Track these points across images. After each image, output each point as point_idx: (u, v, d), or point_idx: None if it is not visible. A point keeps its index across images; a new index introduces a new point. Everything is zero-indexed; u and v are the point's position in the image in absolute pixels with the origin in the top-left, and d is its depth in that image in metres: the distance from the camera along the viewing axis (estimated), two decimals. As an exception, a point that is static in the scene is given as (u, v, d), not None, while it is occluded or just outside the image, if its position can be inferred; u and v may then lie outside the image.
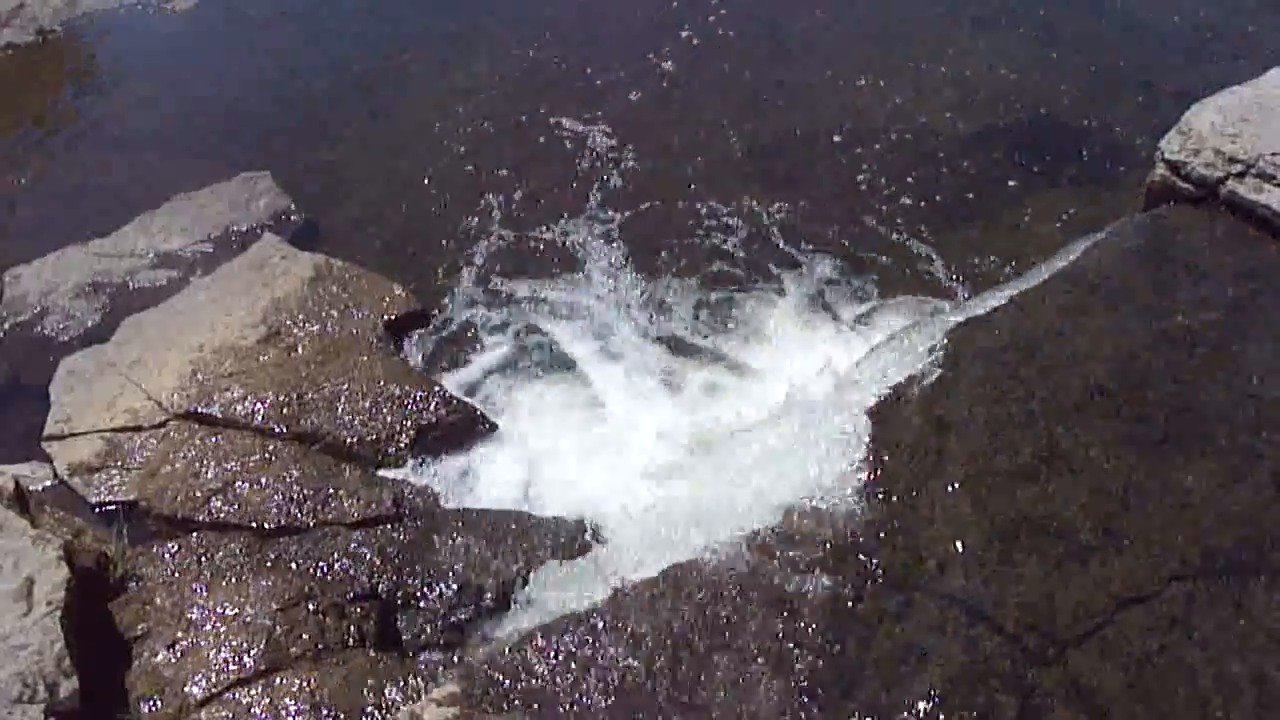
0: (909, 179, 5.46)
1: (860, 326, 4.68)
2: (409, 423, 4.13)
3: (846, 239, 5.14)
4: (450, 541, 3.69)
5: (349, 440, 4.09)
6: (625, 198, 5.53)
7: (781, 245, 5.14)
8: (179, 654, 3.18)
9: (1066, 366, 3.44)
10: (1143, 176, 4.26)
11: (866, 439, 3.46)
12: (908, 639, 2.90)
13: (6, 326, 4.93)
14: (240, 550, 3.60)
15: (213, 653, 3.17)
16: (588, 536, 3.72)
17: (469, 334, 4.82)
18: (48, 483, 4.11)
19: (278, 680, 3.10)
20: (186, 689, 3.08)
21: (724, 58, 6.53)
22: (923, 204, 5.30)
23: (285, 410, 4.14)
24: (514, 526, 3.75)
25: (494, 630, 3.46)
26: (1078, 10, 6.62)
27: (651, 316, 4.85)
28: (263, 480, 3.87)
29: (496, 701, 2.93)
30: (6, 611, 2.94)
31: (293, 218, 5.44)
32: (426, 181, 5.75)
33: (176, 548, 3.61)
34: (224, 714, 3.03)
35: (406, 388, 4.23)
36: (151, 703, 3.06)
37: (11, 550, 3.11)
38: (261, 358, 4.38)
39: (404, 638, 3.48)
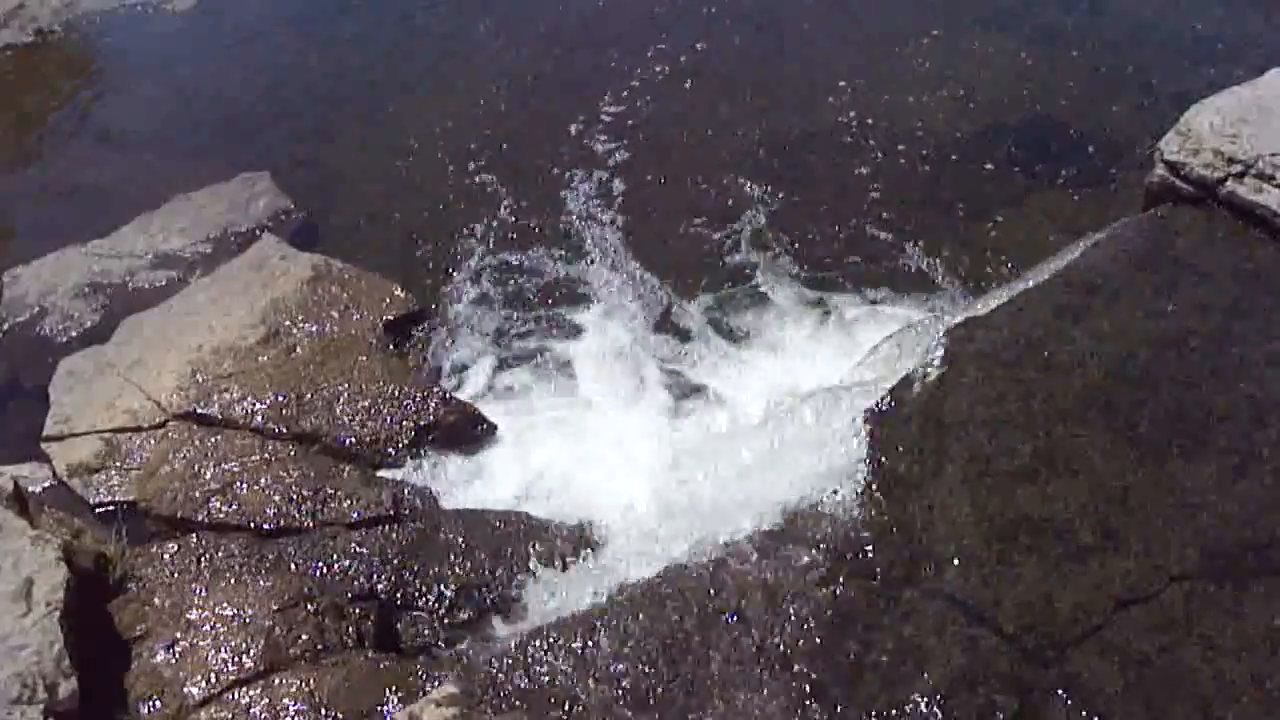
0: (908, 179, 5.46)
1: (860, 327, 4.68)
2: (408, 423, 4.13)
3: (846, 239, 5.14)
4: (450, 542, 3.69)
5: (348, 441, 4.08)
6: (625, 198, 5.53)
7: (781, 246, 5.14)
8: (178, 654, 3.18)
9: (1066, 366, 3.43)
10: (1142, 177, 4.25)
11: (866, 439, 3.46)
12: (907, 639, 2.90)
13: (6, 327, 4.92)
14: (239, 551, 3.60)
15: (212, 653, 3.16)
16: (587, 537, 3.72)
17: (468, 334, 4.82)
18: (47, 483, 4.11)
19: (277, 681, 3.09)
20: (186, 689, 3.08)
21: (724, 57, 6.53)
22: (922, 204, 5.29)
23: (284, 411, 4.14)
24: (513, 527, 3.75)
25: (494, 630, 3.46)
26: (1078, 10, 6.62)
27: (652, 317, 4.85)
28: (262, 481, 3.87)
29: (496, 702, 2.93)
30: (6, 612, 2.93)
31: (292, 218, 5.43)
32: (426, 182, 5.75)
33: (176, 548, 3.61)
34: (223, 714, 3.02)
35: (406, 388, 4.23)
36: (151, 703, 3.06)
37: (11, 551, 3.10)
38: (261, 358, 4.38)
39: (403, 638, 3.48)
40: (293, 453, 4.00)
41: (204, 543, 3.63)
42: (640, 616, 3.09)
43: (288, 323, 4.56)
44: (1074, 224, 4.87)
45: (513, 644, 3.13)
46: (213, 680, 3.10)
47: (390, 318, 4.66)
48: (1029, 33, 6.42)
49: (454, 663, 3.18)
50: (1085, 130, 5.61)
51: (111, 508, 3.97)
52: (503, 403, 4.48)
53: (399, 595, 3.55)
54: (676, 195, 5.53)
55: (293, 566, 3.55)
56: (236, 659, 3.14)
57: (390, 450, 4.09)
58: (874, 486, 3.33)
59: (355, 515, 3.76)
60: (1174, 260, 3.78)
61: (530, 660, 3.03)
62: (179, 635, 3.23)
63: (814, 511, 3.32)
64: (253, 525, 3.76)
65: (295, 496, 3.81)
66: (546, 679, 2.97)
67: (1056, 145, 5.54)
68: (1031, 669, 2.78)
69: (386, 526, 3.74)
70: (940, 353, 3.62)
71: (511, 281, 5.09)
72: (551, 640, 3.07)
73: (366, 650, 3.29)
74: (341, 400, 4.18)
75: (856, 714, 2.77)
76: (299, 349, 4.44)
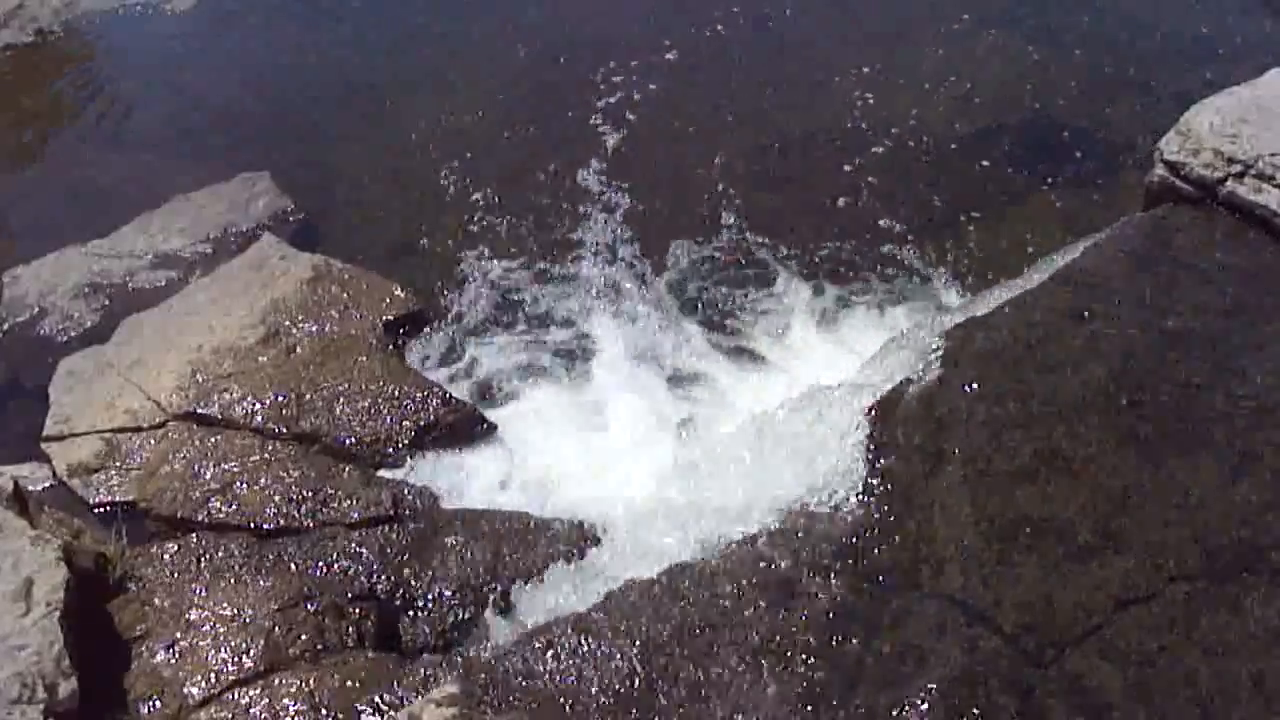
0: (909, 179, 5.46)
1: (860, 326, 4.68)
2: (408, 423, 4.13)
3: (846, 239, 5.14)
4: (450, 542, 3.69)
5: (348, 441, 4.08)
6: (625, 197, 5.53)
7: (781, 246, 5.14)
8: (178, 654, 3.18)
9: (1066, 366, 3.43)
10: (1142, 177, 4.26)
11: (866, 439, 3.46)
12: (907, 639, 2.90)
13: (6, 327, 4.92)
14: (239, 551, 3.60)
15: (212, 653, 3.17)
16: (587, 537, 3.72)
17: (468, 334, 4.82)
18: (47, 483, 4.10)
19: (277, 681, 3.09)
20: (186, 689, 3.08)
21: (724, 58, 6.53)
22: (923, 204, 5.29)
23: (284, 411, 4.14)
24: (513, 527, 3.75)
25: (494, 630, 3.46)
26: (1078, 10, 6.62)
27: (652, 317, 4.85)
28: (262, 481, 3.87)
29: (496, 702, 2.93)
30: (5, 612, 2.93)
31: (292, 218, 5.43)
32: (426, 182, 5.75)
33: (176, 548, 3.61)
34: (223, 714, 3.02)
35: (406, 388, 4.23)
36: (151, 703, 3.06)
37: (10, 551, 3.10)
38: (261, 358, 4.38)
39: (403, 638, 3.48)
40: (293, 453, 4.00)
41: (204, 543, 3.62)
42: (640, 616, 3.09)
43: (288, 323, 4.56)
44: (1074, 224, 4.87)
45: (513, 644, 3.13)
46: (213, 680, 3.10)
47: (390, 318, 4.66)
48: (1029, 33, 6.42)
49: (454, 663, 3.18)
50: (1085, 130, 5.61)
51: (111, 508, 3.96)
52: (503, 403, 4.49)
53: (399, 595, 3.54)
54: (677, 195, 5.53)
55: (293, 566, 3.55)
56: (236, 659, 3.14)
57: (390, 450, 4.09)
58: (874, 486, 3.33)
59: (355, 515, 3.76)
60: (1174, 260, 3.78)
61: (530, 660, 3.03)
62: (179, 635, 3.23)
63: (814, 511, 3.32)
64: (253, 525, 3.75)
65: (295, 496, 3.81)
66: (546, 679, 2.97)
67: (1056, 145, 5.54)
68: (1031, 669, 2.78)
69: (386, 526, 3.74)
70: (940, 353, 3.62)
71: (511, 281, 5.09)
72: (551, 640, 3.07)
73: (366, 650, 3.29)
74: (341, 400, 4.18)
75: (856, 714, 2.77)
76: (299, 349, 4.44)
